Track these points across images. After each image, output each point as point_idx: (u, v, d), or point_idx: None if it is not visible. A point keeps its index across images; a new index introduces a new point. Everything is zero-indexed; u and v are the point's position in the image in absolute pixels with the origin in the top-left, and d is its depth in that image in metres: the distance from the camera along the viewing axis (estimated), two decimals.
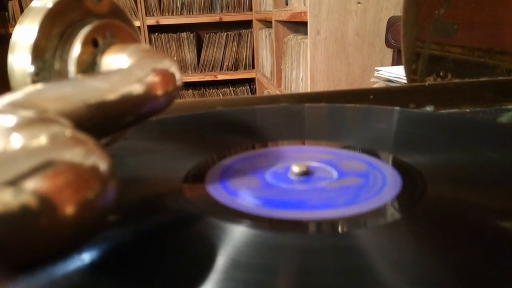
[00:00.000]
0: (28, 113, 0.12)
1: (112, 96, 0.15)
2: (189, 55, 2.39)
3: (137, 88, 0.16)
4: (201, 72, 2.41)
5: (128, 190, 0.18)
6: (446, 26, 0.61)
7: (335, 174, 0.20)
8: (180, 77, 0.18)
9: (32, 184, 0.09)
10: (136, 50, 0.18)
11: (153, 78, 0.16)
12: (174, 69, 0.18)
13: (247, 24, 2.41)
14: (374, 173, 0.20)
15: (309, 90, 1.23)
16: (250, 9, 2.37)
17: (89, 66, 0.18)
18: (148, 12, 2.27)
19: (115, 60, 0.18)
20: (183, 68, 2.37)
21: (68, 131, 0.11)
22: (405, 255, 0.13)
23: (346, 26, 1.16)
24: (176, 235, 0.15)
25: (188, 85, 2.42)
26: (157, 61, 0.17)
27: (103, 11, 0.19)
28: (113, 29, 0.19)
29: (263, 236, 0.15)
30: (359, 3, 1.14)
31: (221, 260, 0.13)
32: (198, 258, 0.13)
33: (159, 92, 0.16)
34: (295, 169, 0.20)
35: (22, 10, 2.21)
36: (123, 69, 0.17)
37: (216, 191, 0.18)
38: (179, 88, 0.18)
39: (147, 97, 0.16)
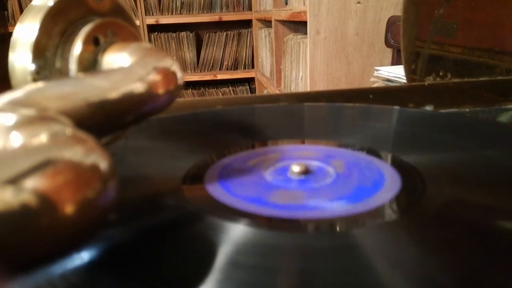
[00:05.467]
0: (28, 112, 0.12)
1: (113, 94, 0.15)
2: (189, 54, 2.39)
3: (138, 87, 0.16)
4: (200, 71, 2.41)
5: (128, 189, 0.18)
6: (446, 25, 0.61)
7: (334, 173, 0.20)
8: (181, 76, 0.18)
9: (32, 183, 0.09)
10: (138, 48, 0.18)
11: (154, 77, 0.16)
12: (175, 68, 0.18)
13: (247, 23, 2.40)
14: (374, 173, 0.20)
15: (308, 89, 1.23)
16: (250, 8, 2.36)
17: (90, 65, 0.18)
18: (147, 12, 2.27)
19: (116, 58, 0.18)
20: (182, 68, 2.36)
21: (69, 129, 0.11)
22: (404, 254, 0.13)
23: (345, 25, 1.16)
24: (175, 234, 0.15)
25: (187, 85, 2.41)
26: (159, 60, 0.17)
27: (104, 9, 0.19)
28: (115, 28, 0.19)
29: (262, 235, 0.15)
30: (358, 2, 1.14)
31: (220, 259, 0.13)
32: (197, 257, 0.13)
33: (161, 91, 0.16)
34: (295, 168, 0.20)
35: (21, 9, 2.21)
36: (125, 67, 0.17)
37: (215, 190, 0.18)
38: (181, 87, 0.18)
39: (148, 95, 0.16)
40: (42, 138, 0.11)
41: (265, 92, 2.09)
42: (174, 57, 2.32)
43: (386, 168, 0.20)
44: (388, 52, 1.18)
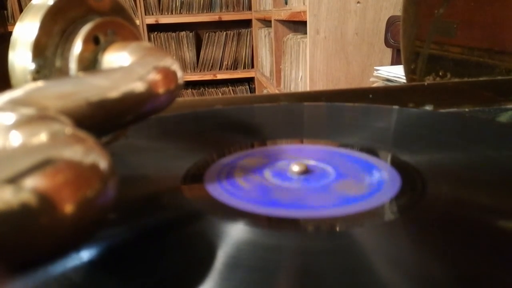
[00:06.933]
0: (28, 111, 0.12)
1: (113, 94, 0.15)
2: (188, 54, 2.39)
3: (138, 86, 0.16)
4: (200, 71, 2.41)
5: (128, 189, 0.18)
6: (446, 25, 0.61)
7: (334, 173, 0.20)
8: (181, 75, 0.18)
9: (31, 182, 0.09)
10: (138, 48, 0.18)
11: (154, 76, 0.16)
12: (175, 67, 0.17)
13: (247, 23, 2.40)
14: (373, 172, 0.20)
15: (308, 89, 1.23)
16: (250, 8, 2.36)
17: (90, 64, 0.18)
18: (147, 11, 2.27)
19: (116, 57, 0.18)
20: (182, 67, 2.36)
21: (68, 129, 0.11)
22: (403, 254, 0.13)
23: (345, 25, 1.16)
24: (175, 233, 0.15)
25: (187, 85, 2.41)
26: (159, 59, 0.17)
27: (104, 8, 0.19)
28: (115, 27, 0.19)
29: (261, 234, 0.15)
30: (358, 2, 1.14)
31: (220, 259, 0.13)
32: (197, 257, 0.13)
33: (161, 90, 0.16)
34: (294, 167, 0.20)
35: (21, 9, 2.21)
36: (125, 66, 0.17)
37: (215, 189, 0.18)
38: (181, 87, 0.18)
39: (149, 95, 0.16)
40: (42, 137, 0.11)
41: (264, 91, 2.09)
42: (174, 57, 2.32)
43: (386, 167, 0.20)
44: (388, 52, 1.18)
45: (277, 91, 1.76)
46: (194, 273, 0.12)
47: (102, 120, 0.14)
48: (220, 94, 2.47)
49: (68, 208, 0.10)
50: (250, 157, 0.23)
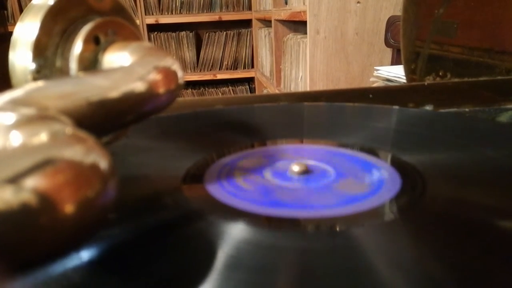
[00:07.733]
0: (28, 111, 0.12)
1: (113, 94, 0.15)
2: (189, 54, 2.39)
3: (139, 86, 0.16)
4: (200, 71, 2.41)
5: (128, 189, 0.18)
6: (446, 25, 0.61)
7: (334, 173, 0.20)
8: (182, 75, 0.18)
9: (32, 182, 0.09)
10: (138, 48, 0.18)
11: (155, 76, 0.16)
12: (176, 67, 0.18)
13: (247, 23, 2.40)
14: (373, 172, 0.20)
15: (308, 89, 1.23)
16: (250, 8, 2.36)
17: (90, 64, 0.18)
18: (147, 11, 2.27)
19: (117, 57, 0.18)
20: (182, 67, 2.36)
21: (69, 129, 0.11)
22: (404, 254, 0.13)
23: (345, 25, 1.16)
24: (175, 233, 0.15)
25: (187, 84, 2.41)
26: (159, 59, 0.17)
27: (105, 8, 0.19)
28: (115, 27, 0.19)
29: (262, 234, 0.15)
30: (358, 2, 1.14)
31: (220, 258, 0.13)
32: (197, 256, 0.13)
33: (161, 90, 0.16)
34: (295, 167, 0.20)
35: (21, 9, 2.21)
36: (125, 66, 0.17)
37: (215, 189, 0.18)
38: (181, 87, 0.18)
39: (149, 95, 0.16)
40: (42, 137, 0.11)
41: (264, 91, 2.09)
42: (174, 57, 2.32)
43: (386, 168, 0.20)
44: (388, 52, 1.18)
45: (277, 91, 1.76)
46: (194, 273, 0.12)
47: (103, 120, 0.14)
48: (220, 94, 2.47)
49: (69, 208, 0.10)
50: (250, 157, 0.23)
